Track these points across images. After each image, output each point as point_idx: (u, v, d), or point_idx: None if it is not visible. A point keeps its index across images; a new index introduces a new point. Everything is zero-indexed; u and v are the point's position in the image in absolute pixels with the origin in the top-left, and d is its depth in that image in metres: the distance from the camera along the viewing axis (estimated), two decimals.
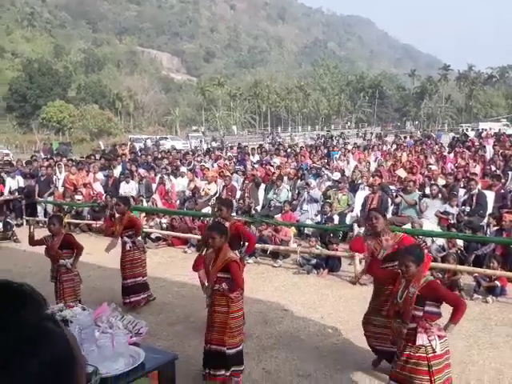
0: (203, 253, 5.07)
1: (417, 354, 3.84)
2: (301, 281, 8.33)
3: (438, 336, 3.86)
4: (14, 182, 14.46)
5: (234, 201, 12.08)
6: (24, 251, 10.56)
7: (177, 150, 24.96)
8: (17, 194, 14.01)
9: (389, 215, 10.38)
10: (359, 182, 12.48)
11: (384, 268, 4.90)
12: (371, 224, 5.08)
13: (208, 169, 15.33)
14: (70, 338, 0.72)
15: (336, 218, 10.56)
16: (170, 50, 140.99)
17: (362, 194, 11.34)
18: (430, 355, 3.81)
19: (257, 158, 18.91)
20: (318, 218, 10.96)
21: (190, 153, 22.59)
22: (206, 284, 4.96)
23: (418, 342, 3.82)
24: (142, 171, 15.15)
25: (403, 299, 3.95)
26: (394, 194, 11.24)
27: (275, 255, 9.45)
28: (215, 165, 17.04)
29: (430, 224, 9.50)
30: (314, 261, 8.74)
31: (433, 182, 11.38)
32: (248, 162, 17.31)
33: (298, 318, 6.63)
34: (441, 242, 8.80)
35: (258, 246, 9.44)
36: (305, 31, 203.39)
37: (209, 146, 34.69)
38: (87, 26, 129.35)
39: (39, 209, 13.98)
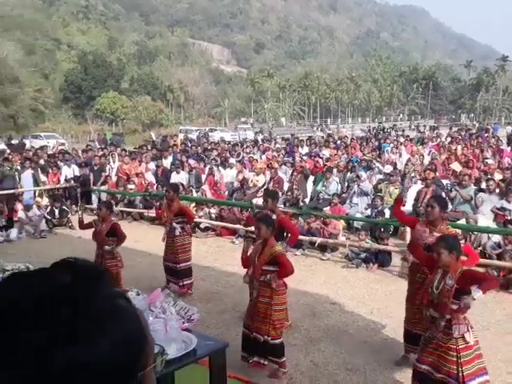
0: (247, 248, 5.13)
1: (446, 344, 3.83)
2: (349, 275, 8.24)
3: (470, 327, 3.87)
4: (69, 171, 14.94)
5: (280, 193, 12.07)
6: (79, 237, 10.93)
7: (225, 142, 25.12)
8: (72, 182, 14.48)
9: None
10: (412, 175, 12.18)
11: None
12: (426, 211, 5.06)
13: (256, 160, 15.37)
14: (141, 316, 0.71)
15: (387, 212, 10.35)
16: (221, 41, 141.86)
17: (414, 188, 11.08)
18: (460, 347, 3.79)
19: (306, 149, 18.77)
20: (368, 212, 10.78)
21: (239, 144, 22.70)
22: (249, 273, 5.01)
23: (455, 334, 3.79)
24: (191, 162, 15.36)
25: (439, 290, 3.89)
26: (449, 188, 10.89)
27: (323, 248, 9.38)
28: (263, 156, 17.05)
29: (485, 220, 9.17)
30: (363, 255, 8.62)
31: (489, 176, 10.98)
32: (297, 153, 17.22)
33: (347, 311, 6.57)
34: (497, 238, 8.48)
35: (305, 238, 9.42)
36: (357, 22, 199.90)
37: (257, 138, 34.71)
38: (140, 18, 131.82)
39: (93, 197, 14.41)
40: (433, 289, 3.94)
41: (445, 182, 11.75)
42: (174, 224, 7.23)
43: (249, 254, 5.07)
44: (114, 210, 9.16)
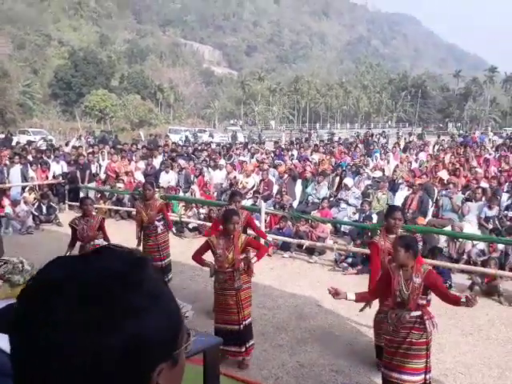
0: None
1: (419, 341, 3.97)
2: (336, 278, 8.32)
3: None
4: (58, 167, 14.86)
5: (270, 195, 12.13)
6: (66, 234, 10.86)
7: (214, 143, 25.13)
8: (60, 178, 14.40)
9: (429, 217, 10.24)
10: (399, 181, 12.32)
11: None
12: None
13: (246, 162, 15.42)
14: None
15: (375, 217, 10.46)
16: (213, 43, 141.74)
17: (401, 194, 11.21)
18: (429, 338, 4.01)
19: (295, 153, 18.84)
20: (356, 217, 10.89)
21: (230, 146, 22.73)
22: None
23: (429, 328, 3.95)
24: (181, 162, 15.35)
25: (410, 290, 3.96)
26: (444, 195, 10.82)
27: (311, 251, 9.46)
28: (253, 160, 17.10)
29: (471, 228, 9.31)
30: (350, 259, 8.72)
31: (476, 184, 11.12)
32: (286, 156, 17.29)
33: (333, 313, 6.64)
34: (482, 246, 8.62)
35: (294, 241, 9.51)
36: (348, 28, 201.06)
37: (246, 141, 34.78)
38: (132, 16, 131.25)
39: (81, 194, 14.32)
40: (402, 291, 4.00)
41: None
42: (156, 223, 7.32)
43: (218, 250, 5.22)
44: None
